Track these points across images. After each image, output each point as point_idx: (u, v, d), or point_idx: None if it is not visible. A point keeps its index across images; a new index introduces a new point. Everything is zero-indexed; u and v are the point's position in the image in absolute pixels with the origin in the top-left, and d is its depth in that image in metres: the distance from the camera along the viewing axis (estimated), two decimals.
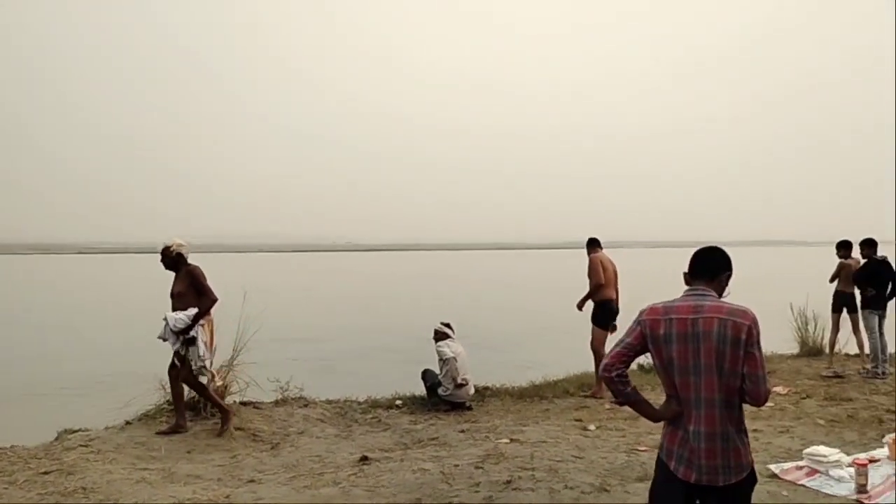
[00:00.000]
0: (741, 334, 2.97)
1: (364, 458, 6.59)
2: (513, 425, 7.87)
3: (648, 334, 3.13)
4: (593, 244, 9.52)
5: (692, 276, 3.20)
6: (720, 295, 3.18)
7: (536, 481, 5.78)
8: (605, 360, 3.22)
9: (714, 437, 3.04)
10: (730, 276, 3.24)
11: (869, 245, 10.24)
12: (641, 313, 3.18)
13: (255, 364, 8.44)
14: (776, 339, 12.69)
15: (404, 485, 5.71)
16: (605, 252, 9.58)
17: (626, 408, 8.28)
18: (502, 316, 27.17)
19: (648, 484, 5.60)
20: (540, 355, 16.94)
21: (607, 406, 8.65)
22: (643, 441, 6.97)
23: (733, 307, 3.05)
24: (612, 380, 3.20)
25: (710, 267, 3.21)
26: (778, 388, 9.20)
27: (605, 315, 9.23)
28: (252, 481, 6.02)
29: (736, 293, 3.32)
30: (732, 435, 3.05)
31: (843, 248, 10.80)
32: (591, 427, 7.66)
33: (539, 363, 13.05)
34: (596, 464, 6.26)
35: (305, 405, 8.69)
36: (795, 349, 12.29)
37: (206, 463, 6.56)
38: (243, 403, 8.29)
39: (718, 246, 3.28)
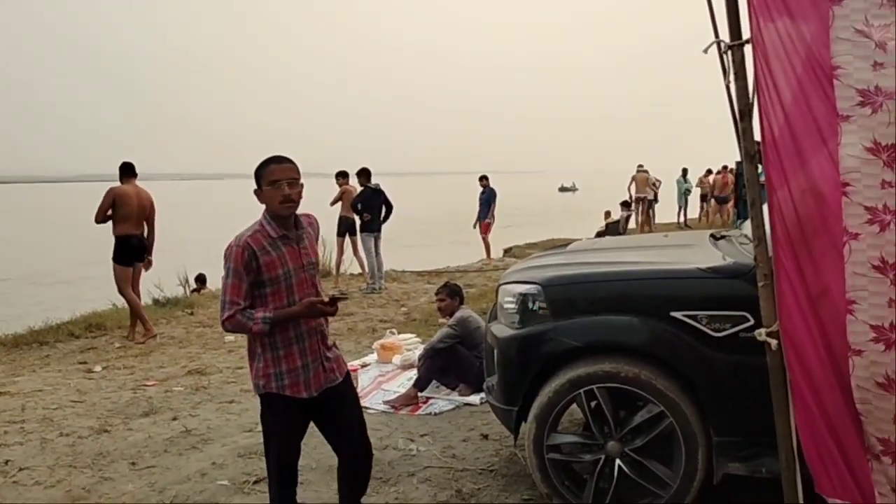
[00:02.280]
0: None
1: None
2: (3, 377, 6.97)
3: None
4: (124, 172, 8.22)
5: None
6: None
7: (26, 434, 5.20)
8: None
9: None
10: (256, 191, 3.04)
11: (364, 174, 11.28)
12: None
13: None
14: None
15: None
16: (139, 183, 8.35)
17: (139, 344, 7.89)
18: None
19: (154, 418, 5.51)
20: (68, 294, 15.54)
21: (137, 341, 8.18)
22: (153, 376, 6.75)
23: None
24: None
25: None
26: None
27: (122, 252, 8.14)
28: None
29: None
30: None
31: (342, 176, 11.73)
32: (98, 368, 7.17)
33: (55, 304, 11.88)
34: (98, 405, 5.88)
35: None
36: None
37: None
38: None
39: None
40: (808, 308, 2.62)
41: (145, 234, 8.32)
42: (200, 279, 13.22)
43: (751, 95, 2.75)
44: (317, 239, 3.24)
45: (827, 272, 2.57)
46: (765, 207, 2.78)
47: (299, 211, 3.08)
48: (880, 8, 2.43)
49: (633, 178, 21.34)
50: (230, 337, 7.94)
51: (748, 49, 2.72)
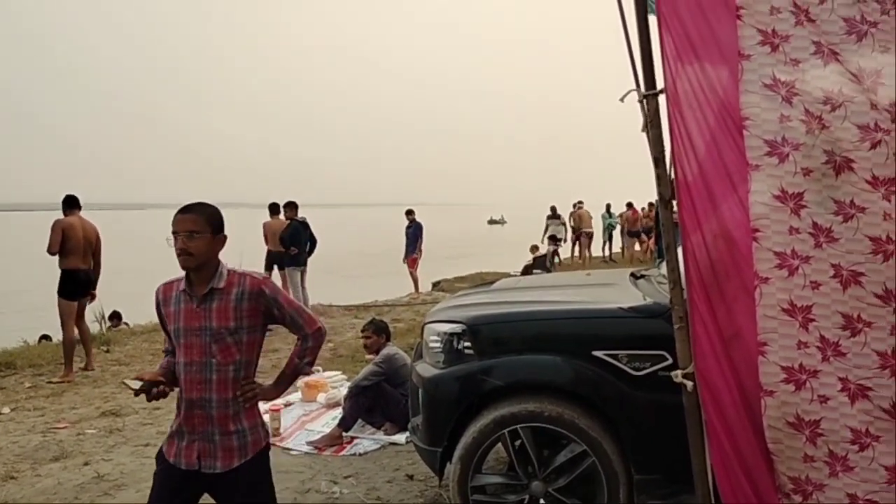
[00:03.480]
0: None
1: None
2: None
3: None
4: (69, 204, 8.00)
5: None
6: None
7: None
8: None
9: None
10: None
11: (291, 207, 11.14)
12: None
13: None
14: None
15: None
16: (84, 214, 8.18)
17: (50, 385, 7.54)
18: None
19: (65, 463, 5.26)
20: None
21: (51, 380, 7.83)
22: (64, 418, 6.45)
23: None
24: None
25: None
26: None
27: (69, 286, 7.90)
28: None
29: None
30: None
31: (278, 209, 11.50)
32: (5, 410, 6.81)
33: None
34: (5, 450, 5.59)
35: None
36: None
37: None
38: None
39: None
40: (722, 350, 2.69)
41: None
42: (116, 315, 12.76)
43: (665, 143, 2.85)
44: (250, 303, 2.74)
45: (739, 315, 2.66)
46: (679, 250, 2.86)
47: (249, 269, 2.86)
48: (785, 65, 2.56)
49: (579, 215, 21.86)
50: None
51: (663, 98, 2.82)
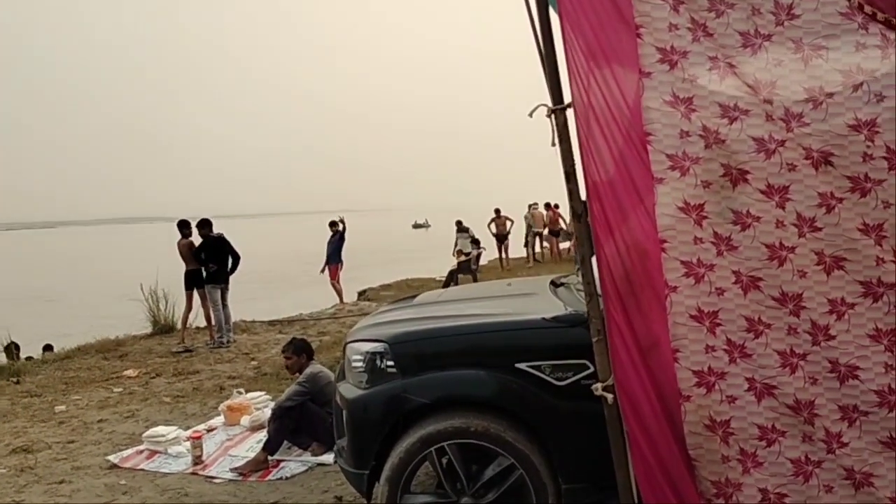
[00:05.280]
0: None
1: None
2: None
3: None
4: None
5: None
6: None
7: None
8: None
9: None
10: None
11: (204, 225, 10.87)
12: None
13: None
14: (127, 322, 12.63)
15: None
16: None
17: None
18: None
19: None
20: None
21: None
22: None
23: None
24: None
25: None
26: (128, 372, 9.15)
27: None
28: None
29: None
30: None
31: (185, 227, 11.17)
32: None
33: None
34: None
35: None
36: (149, 329, 12.36)
37: None
38: None
39: None
40: (640, 359, 2.74)
41: None
42: (15, 346, 12.08)
43: (575, 157, 2.88)
44: None
45: (655, 324, 2.71)
46: (594, 260, 2.89)
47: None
48: (684, 82, 2.63)
49: (532, 215, 22.26)
50: (61, 406, 7.35)
51: (571, 113, 2.85)
